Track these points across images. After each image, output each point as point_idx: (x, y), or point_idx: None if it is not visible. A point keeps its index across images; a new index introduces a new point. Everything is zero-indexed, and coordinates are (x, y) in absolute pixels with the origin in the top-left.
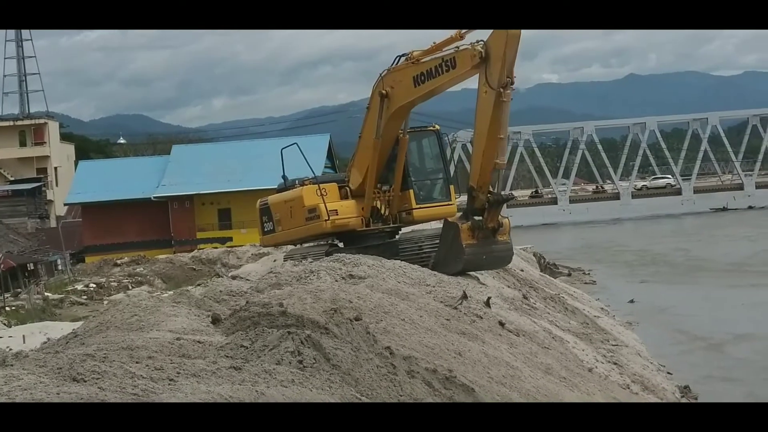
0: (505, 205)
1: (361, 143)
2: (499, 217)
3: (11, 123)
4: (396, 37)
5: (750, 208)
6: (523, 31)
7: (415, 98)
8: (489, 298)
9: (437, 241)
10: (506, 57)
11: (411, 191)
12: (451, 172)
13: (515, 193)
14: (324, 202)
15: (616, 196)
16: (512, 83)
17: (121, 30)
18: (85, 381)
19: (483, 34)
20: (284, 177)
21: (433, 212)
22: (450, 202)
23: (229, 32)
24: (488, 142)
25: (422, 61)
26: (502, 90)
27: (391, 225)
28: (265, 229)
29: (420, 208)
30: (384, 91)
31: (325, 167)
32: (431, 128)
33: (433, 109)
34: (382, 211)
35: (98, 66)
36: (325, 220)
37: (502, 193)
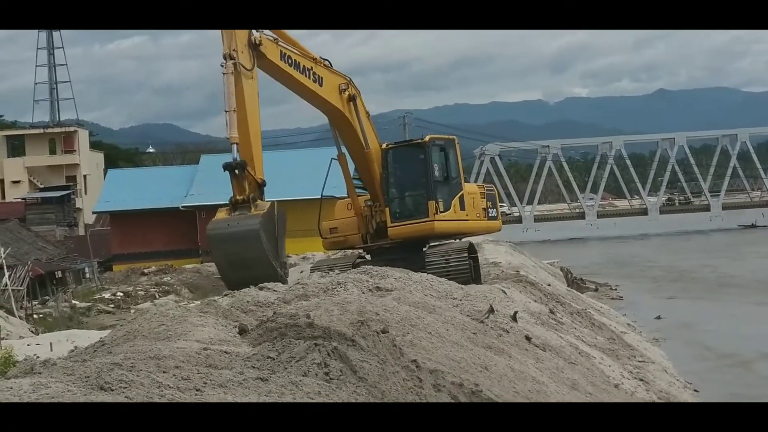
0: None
1: None
2: (253, 194)
3: (41, 131)
4: (423, 50)
5: None
6: (554, 45)
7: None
8: (516, 312)
9: (465, 255)
10: (224, 32)
11: (387, 209)
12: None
13: (542, 207)
14: (319, 220)
15: (644, 212)
16: (231, 57)
17: (152, 37)
18: (112, 390)
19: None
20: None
21: (408, 230)
22: (427, 219)
23: None
24: None
25: None
26: (223, 62)
27: (390, 242)
28: None
29: (394, 226)
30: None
31: (354, 179)
32: (419, 140)
33: (462, 122)
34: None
35: (130, 75)
36: (324, 239)
37: (236, 159)
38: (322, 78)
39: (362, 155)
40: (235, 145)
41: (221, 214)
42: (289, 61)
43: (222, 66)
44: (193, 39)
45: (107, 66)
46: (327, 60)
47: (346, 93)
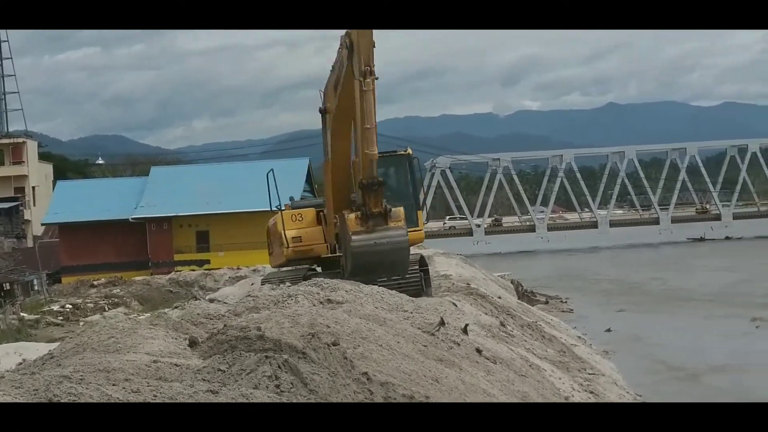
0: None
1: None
2: (386, 204)
3: None
4: (377, 61)
5: (727, 238)
6: (506, 58)
7: (338, 104)
8: (467, 324)
9: (416, 267)
10: (361, 46)
11: None
12: (422, 198)
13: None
14: (284, 229)
15: (594, 225)
16: (371, 73)
17: (103, 48)
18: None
19: None
20: (291, 198)
21: None
22: (417, 228)
23: (214, 53)
24: (360, 132)
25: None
26: (362, 79)
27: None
28: (269, 251)
29: None
30: (322, 107)
31: (304, 191)
32: (402, 152)
33: (413, 135)
34: None
35: (80, 85)
36: (286, 248)
37: (376, 179)
38: None
39: (348, 162)
40: (374, 161)
41: (354, 225)
42: None
43: (361, 81)
44: (145, 50)
45: (57, 76)
46: None
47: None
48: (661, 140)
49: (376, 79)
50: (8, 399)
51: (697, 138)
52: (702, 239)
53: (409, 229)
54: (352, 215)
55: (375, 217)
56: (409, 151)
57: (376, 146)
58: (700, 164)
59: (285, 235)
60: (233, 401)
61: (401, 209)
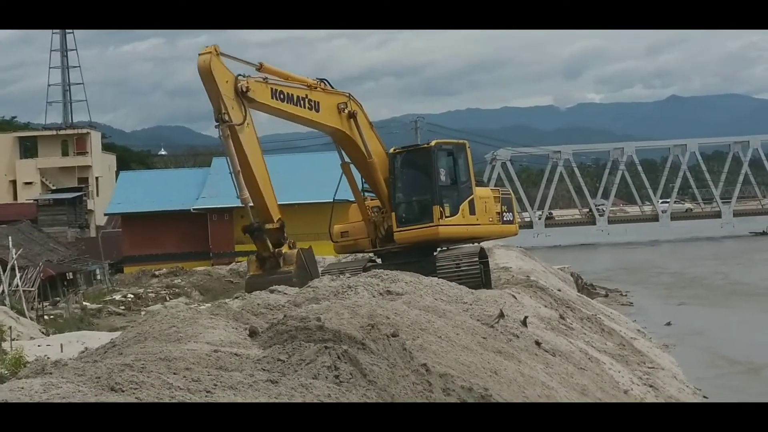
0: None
1: None
2: (283, 248)
3: (54, 132)
4: (437, 55)
5: None
6: (568, 51)
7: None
8: (526, 317)
9: (476, 259)
10: (207, 90)
11: (393, 213)
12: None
13: (553, 212)
14: (330, 223)
15: (655, 218)
16: (225, 120)
17: (168, 39)
18: (123, 391)
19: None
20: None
21: (413, 235)
22: (432, 224)
23: (276, 45)
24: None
25: None
26: (217, 125)
27: (398, 246)
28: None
29: (400, 230)
30: (352, 112)
31: (365, 184)
32: (425, 146)
33: (474, 127)
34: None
35: (145, 77)
36: (335, 242)
37: (253, 224)
38: (318, 102)
39: (365, 165)
40: (249, 206)
41: (254, 269)
42: (281, 96)
43: (216, 128)
44: (210, 39)
45: (122, 68)
46: (325, 80)
47: (346, 111)
48: (723, 133)
49: (242, 122)
50: (71, 386)
51: (760, 131)
52: (764, 233)
53: (423, 225)
54: (253, 257)
55: (269, 260)
56: (432, 144)
57: (245, 190)
58: (763, 157)
59: (330, 231)
60: (293, 391)
61: (294, 253)
